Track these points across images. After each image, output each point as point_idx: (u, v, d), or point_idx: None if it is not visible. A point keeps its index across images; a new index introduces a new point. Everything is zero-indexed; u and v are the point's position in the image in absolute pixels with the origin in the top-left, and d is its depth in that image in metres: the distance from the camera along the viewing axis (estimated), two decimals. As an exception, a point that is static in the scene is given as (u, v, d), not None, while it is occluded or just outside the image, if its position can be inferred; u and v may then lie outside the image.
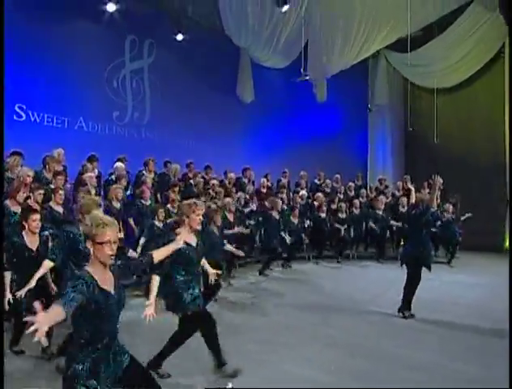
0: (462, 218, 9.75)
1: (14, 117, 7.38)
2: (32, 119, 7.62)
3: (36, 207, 4.32)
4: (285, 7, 8.42)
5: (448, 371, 3.62)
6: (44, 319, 1.63)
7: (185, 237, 3.00)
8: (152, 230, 5.75)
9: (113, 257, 2.06)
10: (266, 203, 8.29)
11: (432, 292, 5.86)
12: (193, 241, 3.38)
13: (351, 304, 5.65)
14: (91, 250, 2.06)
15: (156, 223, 5.86)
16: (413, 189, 5.94)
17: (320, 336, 4.45)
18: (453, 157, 11.57)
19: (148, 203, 6.62)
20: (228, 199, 7.12)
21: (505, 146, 10.48)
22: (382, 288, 6.61)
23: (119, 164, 7.00)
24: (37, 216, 3.74)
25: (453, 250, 9.13)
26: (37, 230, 3.77)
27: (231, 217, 6.86)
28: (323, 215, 9.33)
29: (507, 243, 10.57)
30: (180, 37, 9.79)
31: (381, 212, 9.55)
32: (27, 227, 3.70)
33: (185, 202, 3.54)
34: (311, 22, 9.12)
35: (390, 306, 5.25)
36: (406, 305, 5.03)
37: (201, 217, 3.45)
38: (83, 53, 8.30)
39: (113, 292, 2.08)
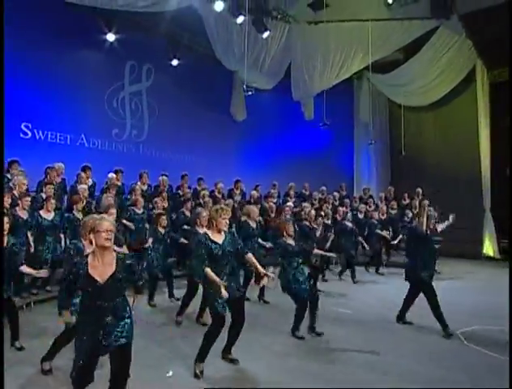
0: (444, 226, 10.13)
1: (21, 135, 8.26)
2: (37, 137, 8.52)
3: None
4: (266, 33, 9.26)
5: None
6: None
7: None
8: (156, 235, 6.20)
9: (108, 240, 2.75)
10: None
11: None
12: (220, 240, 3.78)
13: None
14: (93, 240, 2.77)
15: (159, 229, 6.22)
16: None
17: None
18: (432, 169, 12.29)
19: (141, 211, 7.27)
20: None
21: (481, 159, 11.15)
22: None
23: (111, 174, 7.75)
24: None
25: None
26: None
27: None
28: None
29: (484, 250, 11.07)
30: (175, 62, 10.78)
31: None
32: None
33: (214, 207, 4.00)
34: (291, 48, 10.04)
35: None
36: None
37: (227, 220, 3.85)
38: (85, 76, 9.26)
39: (100, 281, 2.65)
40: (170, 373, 3.63)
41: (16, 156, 6.98)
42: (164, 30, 9.84)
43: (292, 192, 11.30)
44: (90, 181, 7.61)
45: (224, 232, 3.83)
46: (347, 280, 8.18)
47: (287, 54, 10.25)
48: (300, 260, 4.98)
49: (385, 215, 10.26)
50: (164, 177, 8.34)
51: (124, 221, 6.86)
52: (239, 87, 12.71)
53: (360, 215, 10.27)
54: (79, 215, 5.90)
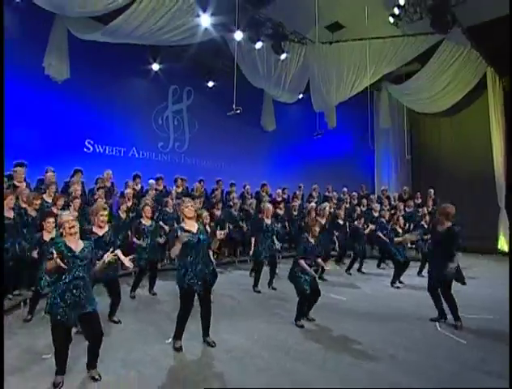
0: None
1: (84, 149, 10.31)
2: (97, 150, 10.55)
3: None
4: (283, 55, 10.67)
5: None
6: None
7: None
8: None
9: (103, 222, 4.40)
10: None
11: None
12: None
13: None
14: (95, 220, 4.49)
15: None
16: None
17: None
18: (450, 170, 13.02)
19: (171, 211, 8.45)
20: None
21: (493, 160, 11.76)
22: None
23: (151, 180, 9.40)
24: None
25: None
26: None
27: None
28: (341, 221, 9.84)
29: (499, 246, 11.58)
30: (211, 84, 12.61)
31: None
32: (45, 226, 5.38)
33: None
34: (309, 68, 11.40)
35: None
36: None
37: (190, 208, 4.42)
38: (135, 100, 11.25)
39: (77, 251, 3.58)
40: (169, 340, 4.49)
41: (81, 166, 8.95)
42: (200, 57, 11.60)
43: (315, 193, 12.52)
44: (139, 186, 9.41)
45: (198, 223, 4.52)
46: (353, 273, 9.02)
47: (305, 72, 11.61)
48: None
49: (402, 212, 11.03)
50: (197, 183, 9.95)
51: (160, 223, 8.04)
52: (268, 100, 14.33)
53: (375, 214, 11.26)
54: (123, 215, 7.36)
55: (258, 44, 10.10)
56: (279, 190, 11.92)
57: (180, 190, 9.83)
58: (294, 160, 14.56)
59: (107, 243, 4.62)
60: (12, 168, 7.16)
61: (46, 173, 7.85)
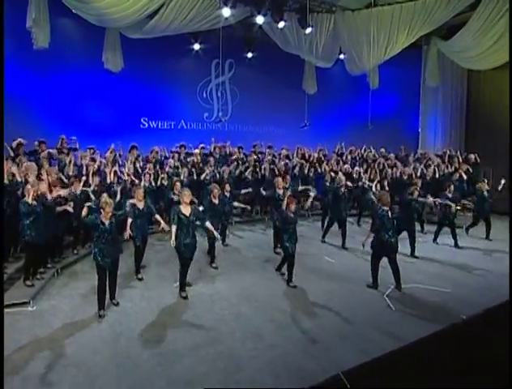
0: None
1: (141, 126, 12.33)
2: (152, 126, 12.51)
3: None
4: (308, 29, 11.13)
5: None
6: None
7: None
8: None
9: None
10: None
11: None
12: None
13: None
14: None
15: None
16: None
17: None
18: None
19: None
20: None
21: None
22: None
23: (196, 150, 11.14)
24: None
25: None
26: None
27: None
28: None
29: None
30: (250, 55, 13.54)
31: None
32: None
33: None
34: (339, 37, 11.72)
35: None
36: None
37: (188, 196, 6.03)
38: (181, 78, 12.79)
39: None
40: (176, 284, 6.25)
41: (138, 141, 10.89)
42: (237, 32, 12.49)
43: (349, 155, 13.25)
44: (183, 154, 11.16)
45: (191, 205, 6.08)
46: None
47: (336, 40, 11.98)
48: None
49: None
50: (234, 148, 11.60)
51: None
52: (310, 63, 14.78)
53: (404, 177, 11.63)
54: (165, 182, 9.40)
55: (281, 24, 10.71)
56: (315, 154, 12.83)
57: (217, 155, 11.42)
58: (335, 121, 15.10)
59: None
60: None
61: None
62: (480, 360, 4.30)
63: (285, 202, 6.73)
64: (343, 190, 8.92)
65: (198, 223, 6.26)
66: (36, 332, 4.91)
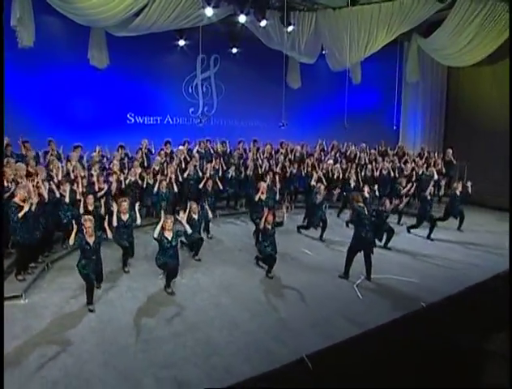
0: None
1: (127, 122, 12.56)
2: (138, 121, 12.74)
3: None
4: (290, 28, 11.39)
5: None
6: None
7: None
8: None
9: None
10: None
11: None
12: None
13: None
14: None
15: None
16: None
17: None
18: (486, 125, 13.17)
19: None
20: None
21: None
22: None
23: (181, 147, 11.47)
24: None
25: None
26: None
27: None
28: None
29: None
30: (235, 50, 13.77)
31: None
32: None
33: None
34: (321, 34, 12.03)
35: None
36: None
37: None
38: (167, 74, 12.99)
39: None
40: (160, 276, 6.69)
41: (125, 136, 11.26)
42: (222, 28, 12.70)
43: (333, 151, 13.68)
44: (169, 150, 11.43)
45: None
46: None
47: (318, 38, 12.29)
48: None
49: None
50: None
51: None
52: (293, 58, 15.04)
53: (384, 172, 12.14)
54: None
55: (263, 23, 10.97)
56: (298, 147, 13.21)
57: (203, 150, 11.82)
58: (319, 116, 15.46)
59: None
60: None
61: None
62: (438, 343, 4.81)
63: (264, 215, 7.12)
64: (319, 198, 9.03)
65: (182, 239, 7.19)
66: (28, 323, 5.28)
